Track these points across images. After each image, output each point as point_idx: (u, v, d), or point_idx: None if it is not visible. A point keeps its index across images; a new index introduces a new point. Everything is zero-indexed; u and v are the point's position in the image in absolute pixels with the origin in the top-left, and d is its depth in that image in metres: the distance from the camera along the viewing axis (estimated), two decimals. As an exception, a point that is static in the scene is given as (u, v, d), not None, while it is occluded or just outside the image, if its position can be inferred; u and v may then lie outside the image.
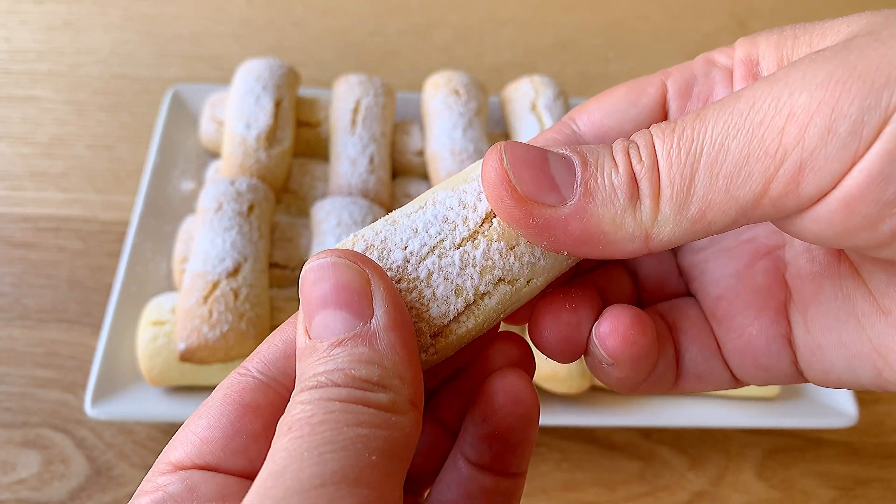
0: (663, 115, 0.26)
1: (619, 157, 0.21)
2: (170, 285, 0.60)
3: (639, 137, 0.22)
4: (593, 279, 0.27)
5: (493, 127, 0.71)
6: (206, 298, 0.52)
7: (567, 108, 0.67)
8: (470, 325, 0.24)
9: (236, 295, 0.52)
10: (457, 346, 0.24)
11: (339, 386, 0.20)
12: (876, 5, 0.93)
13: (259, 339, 0.53)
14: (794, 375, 0.26)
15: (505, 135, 0.69)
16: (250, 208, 0.57)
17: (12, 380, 0.58)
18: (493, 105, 0.71)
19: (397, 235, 0.24)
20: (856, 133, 0.18)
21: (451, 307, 0.24)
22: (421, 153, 0.67)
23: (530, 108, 0.66)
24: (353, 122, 0.64)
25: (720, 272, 0.27)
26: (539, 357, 0.27)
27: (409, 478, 0.26)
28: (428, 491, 0.27)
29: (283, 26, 0.86)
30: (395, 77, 0.80)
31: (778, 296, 0.26)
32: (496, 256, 0.24)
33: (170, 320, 0.54)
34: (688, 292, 0.28)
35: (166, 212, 0.64)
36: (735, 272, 0.27)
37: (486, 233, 0.24)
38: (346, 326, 0.21)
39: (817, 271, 0.25)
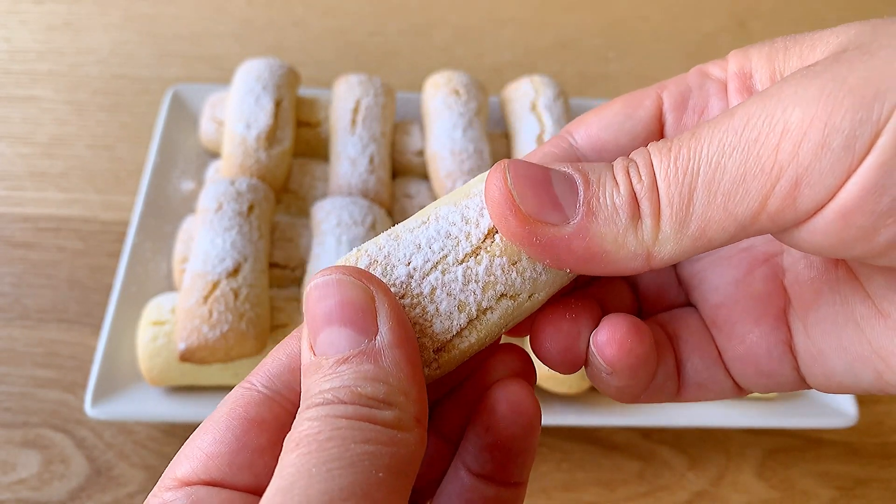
0: (659, 128, 0.27)
1: (620, 177, 0.21)
2: (170, 285, 0.60)
3: (638, 156, 0.22)
4: (594, 291, 0.27)
5: (493, 127, 0.71)
6: (206, 298, 0.52)
7: (567, 107, 0.67)
8: (472, 339, 0.24)
9: (236, 295, 0.52)
10: (459, 360, 0.24)
11: (346, 403, 0.20)
12: (876, 5, 0.93)
13: (259, 338, 0.53)
14: (796, 381, 0.26)
15: (505, 135, 0.69)
16: (250, 208, 0.57)
17: (12, 380, 0.58)
18: (493, 105, 0.71)
19: (400, 251, 0.24)
20: (849, 147, 0.18)
21: (454, 322, 0.24)
22: (421, 153, 0.67)
23: (530, 108, 0.66)
24: (353, 122, 0.64)
25: (719, 280, 0.27)
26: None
27: (412, 489, 0.27)
28: (429, 502, 0.27)
29: (283, 26, 0.86)
30: (395, 77, 0.80)
31: (777, 302, 0.26)
32: (498, 272, 0.24)
33: (170, 320, 0.54)
34: (688, 302, 0.28)
35: (166, 212, 0.64)
36: (734, 280, 0.27)
37: (488, 248, 0.24)
38: (350, 343, 0.21)
39: (815, 276, 0.25)
